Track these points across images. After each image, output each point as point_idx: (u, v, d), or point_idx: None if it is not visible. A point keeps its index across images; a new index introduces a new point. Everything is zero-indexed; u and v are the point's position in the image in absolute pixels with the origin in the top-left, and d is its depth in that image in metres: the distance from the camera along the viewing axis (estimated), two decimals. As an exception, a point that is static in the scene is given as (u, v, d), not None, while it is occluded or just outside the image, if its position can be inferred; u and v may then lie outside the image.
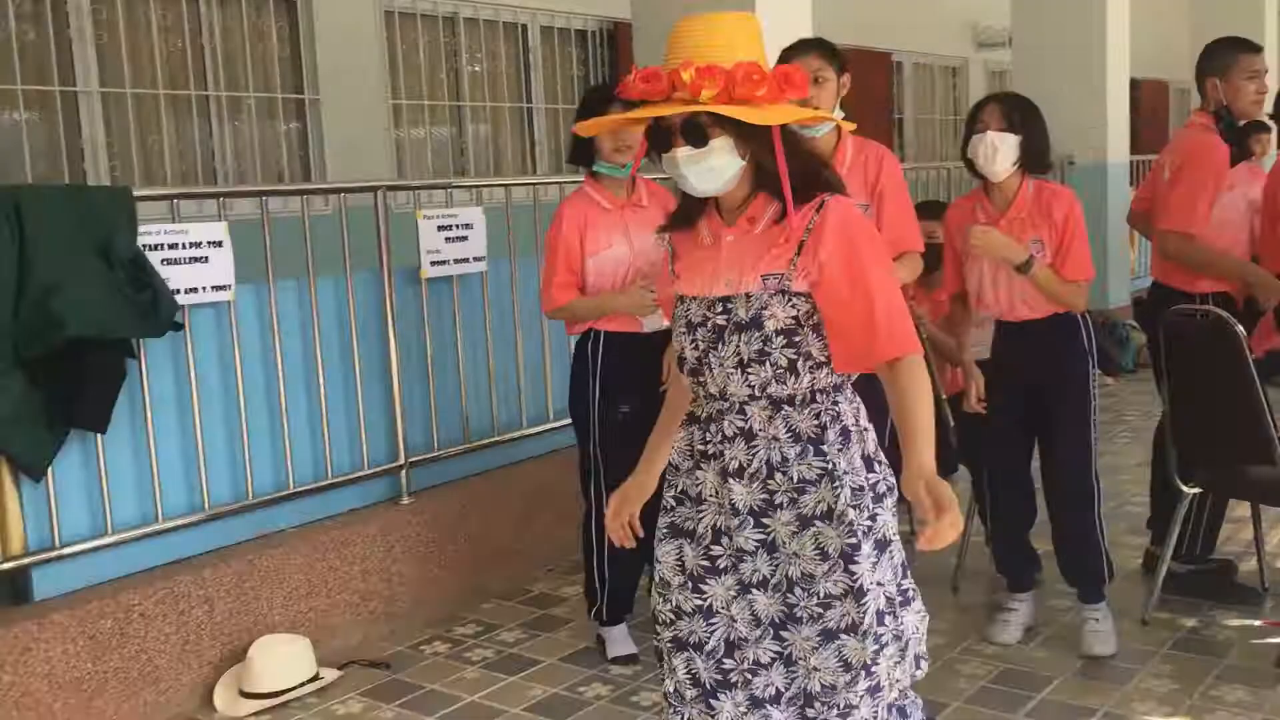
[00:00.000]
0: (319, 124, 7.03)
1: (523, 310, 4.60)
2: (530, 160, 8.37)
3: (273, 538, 3.79)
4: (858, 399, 2.11)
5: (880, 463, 2.08)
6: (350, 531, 3.93)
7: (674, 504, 2.15)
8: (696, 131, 1.92)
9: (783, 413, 2.02)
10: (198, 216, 3.94)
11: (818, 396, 2.03)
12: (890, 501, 2.06)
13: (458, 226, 4.33)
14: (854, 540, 1.98)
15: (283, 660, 3.45)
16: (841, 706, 2.00)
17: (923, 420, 1.94)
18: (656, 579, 2.17)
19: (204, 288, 3.58)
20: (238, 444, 3.71)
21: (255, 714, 3.35)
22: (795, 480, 2.01)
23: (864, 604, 1.98)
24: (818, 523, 2.00)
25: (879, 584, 2.01)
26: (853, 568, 1.99)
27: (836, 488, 2.00)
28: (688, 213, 2.12)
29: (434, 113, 7.82)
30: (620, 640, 3.65)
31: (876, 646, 1.99)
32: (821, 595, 2.00)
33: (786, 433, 2.02)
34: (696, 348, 2.05)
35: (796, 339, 1.99)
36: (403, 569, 4.06)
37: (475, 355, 4.47)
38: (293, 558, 3.74)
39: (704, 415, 2.09)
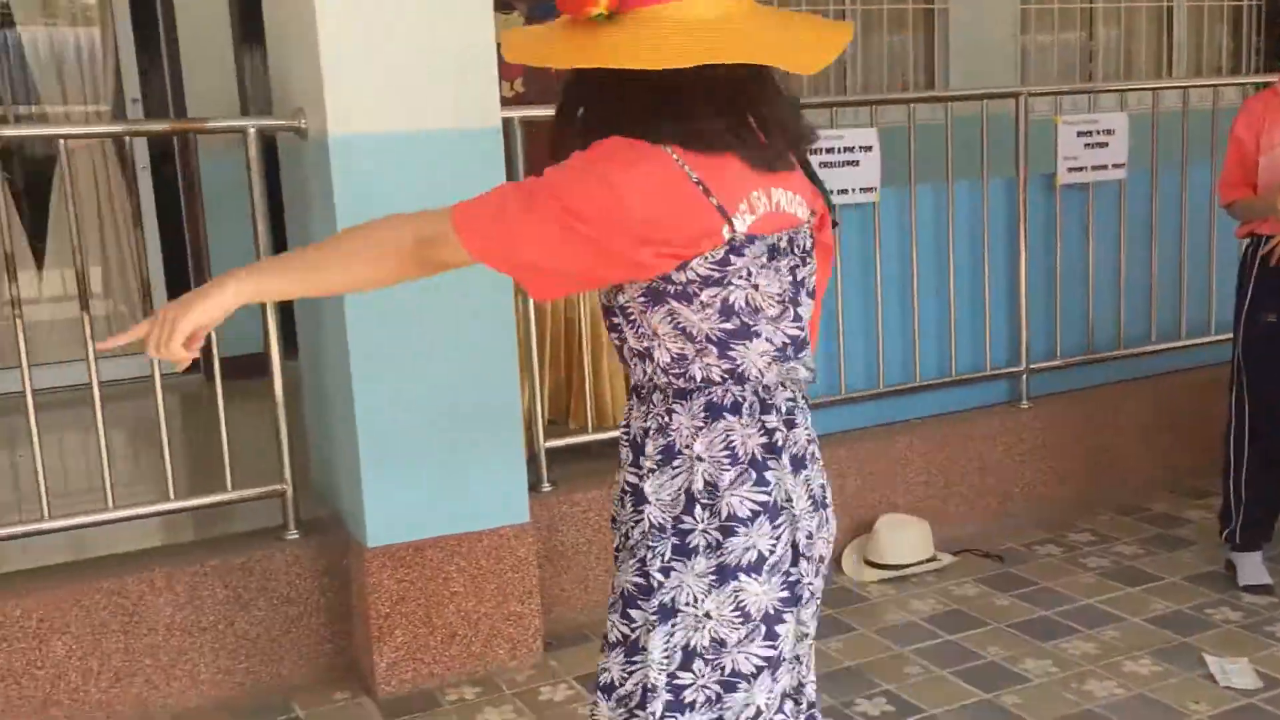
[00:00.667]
0: (945, 32, 7.11)
1: (1163, 222, 4.42)
2: (1167, 64, 7.80)
3: (898, 426, 4.07)
4: (750, 427, 1.53)
5: (712, 511, 1.53)
6: (970, 428, 4.10)
7: None
8: None
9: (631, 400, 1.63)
10: (852, 124, 4.25)
11: (655, 395, 1.58)
12: (703, 564, 1.52)
13: (1098, 133, 4.23)
14: (641, 581, 1.56)
15: (906, 538, 3.72)
16: None
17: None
18: None
19: (853, 189, 3.88)
20: (872, 336, 4.00)
21: (878, 581, 3.67)
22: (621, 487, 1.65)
23: (634, 662, 1.55)
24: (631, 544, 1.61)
25: (647, 650, 1.53)
26: (631, 611, 1.56)
27: (639, 511, 1.58)
28: None
29: (1064, 16, 7.55)
30: (1253, 568, 3.47)
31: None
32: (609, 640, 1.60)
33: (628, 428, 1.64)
34: None
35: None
36: (1018, 470, 4.15)
37: (1106, 266, 4.38)
38: (916, 446, 3.99)
39: None
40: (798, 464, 1.58)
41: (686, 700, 1.54)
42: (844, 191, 3.84)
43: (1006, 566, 3.76)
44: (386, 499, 3.02)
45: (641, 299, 1.51)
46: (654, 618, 1.53)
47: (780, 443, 1.55)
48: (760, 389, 1.55)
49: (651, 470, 1.56)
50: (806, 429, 1.62)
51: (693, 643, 1.53)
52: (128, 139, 5.24)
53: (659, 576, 1.53)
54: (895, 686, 3.00)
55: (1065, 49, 7.64)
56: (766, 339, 1.53)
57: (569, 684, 3.10)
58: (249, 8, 4.53)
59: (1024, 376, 4.24)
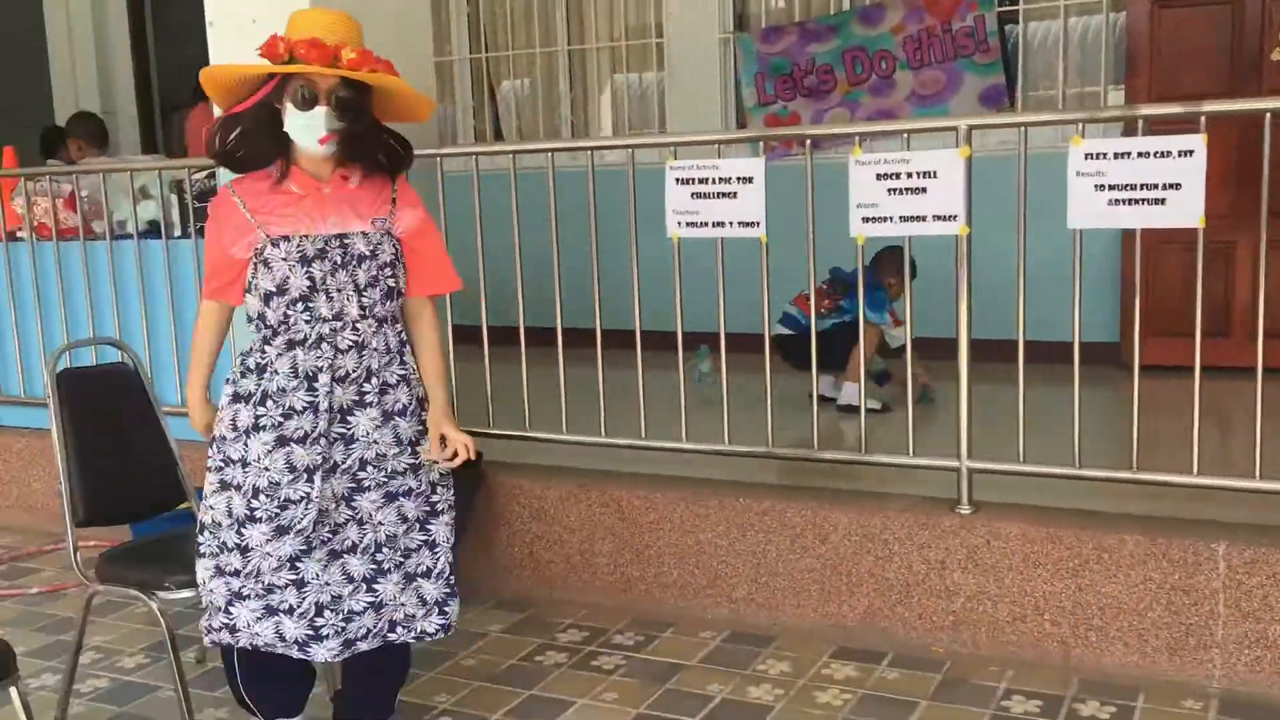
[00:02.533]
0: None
1: None
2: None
3: None
4: None
5: None
6: None
7: (281, 419, 2.59)
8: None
9: (383, 330, 2.65)
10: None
11: (398, 319, 2.70)
12: None
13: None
14: (420, 429, 2.73)
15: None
16: (402, 550, 2.72)
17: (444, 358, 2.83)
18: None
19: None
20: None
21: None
22: (381, 383, 2.65)
23: (420, 477, 2.74)
24: (397, 417, 2.68)
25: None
26: (418, 450, 2.71)
27: (413, 389, 2.71)
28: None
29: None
30: None
31: (428, 508, 2.76)
32: (389, 471, 2.68)
33: (383, 345, 2.64)
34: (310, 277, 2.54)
35: (397, 270, 2.65)
36: None
37: None
38: None
39: (308, 337, 2.58)
40: None
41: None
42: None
43: None
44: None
45: None
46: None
47: None
48: None
49: (411, 361, 2.81)
50: None
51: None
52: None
53: (422, 419, 2.82)
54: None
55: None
56: None
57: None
58: None
59: None
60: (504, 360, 4.22)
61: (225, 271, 2.62)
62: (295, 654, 2.67)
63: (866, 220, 3.41)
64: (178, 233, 4.77)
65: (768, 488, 3.74)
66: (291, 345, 2.59)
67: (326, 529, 2.65)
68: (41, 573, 4.56)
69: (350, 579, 2.68)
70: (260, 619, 2.65)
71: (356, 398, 2.64)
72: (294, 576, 2.64)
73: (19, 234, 5.12)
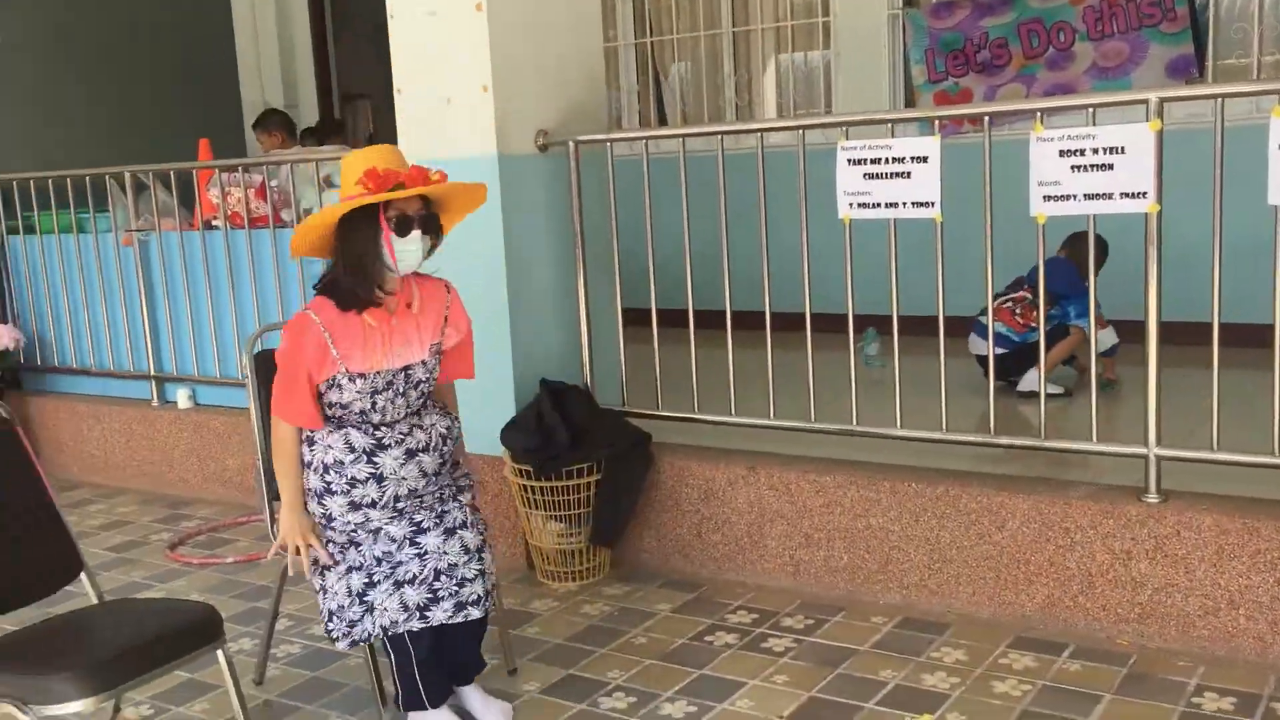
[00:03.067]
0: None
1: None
2: None
3: None
4: None
5: None
6: None
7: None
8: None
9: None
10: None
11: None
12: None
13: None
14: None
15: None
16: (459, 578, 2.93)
17: None
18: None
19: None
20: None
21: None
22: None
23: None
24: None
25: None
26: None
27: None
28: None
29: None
30: None
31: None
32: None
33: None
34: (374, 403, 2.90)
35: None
36: None
37: None
38: None
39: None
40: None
41: None
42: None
43: None
44: None
45: None
46: None
47: None
48: None
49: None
50: None
51: None
52: None
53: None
54: None
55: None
56: None
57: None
58: None
59: None
60: (672, 343, 4.26)
61: (300, 389, 2.83)
62: (415, 623, 2.85)
63: (1048, 199, 3.30)
64: (360, 220, 4.95)
65: (942, 472, 3.67)
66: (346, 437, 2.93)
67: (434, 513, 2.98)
68: (237, 543, 4.84)
69: (466, 550, 2.96)
70: (389, 595, 2.86)
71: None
72: (416, 551, 2.90)
73: (214, 222, 5.41)
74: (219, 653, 2.70)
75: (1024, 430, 3.99)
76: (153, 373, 5.72)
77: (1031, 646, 3.35)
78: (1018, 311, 4.81)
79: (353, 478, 2.87)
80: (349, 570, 2.91)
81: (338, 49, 9.13)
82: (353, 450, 2.88)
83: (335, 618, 2.92)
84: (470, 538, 2.98)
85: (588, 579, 4.11)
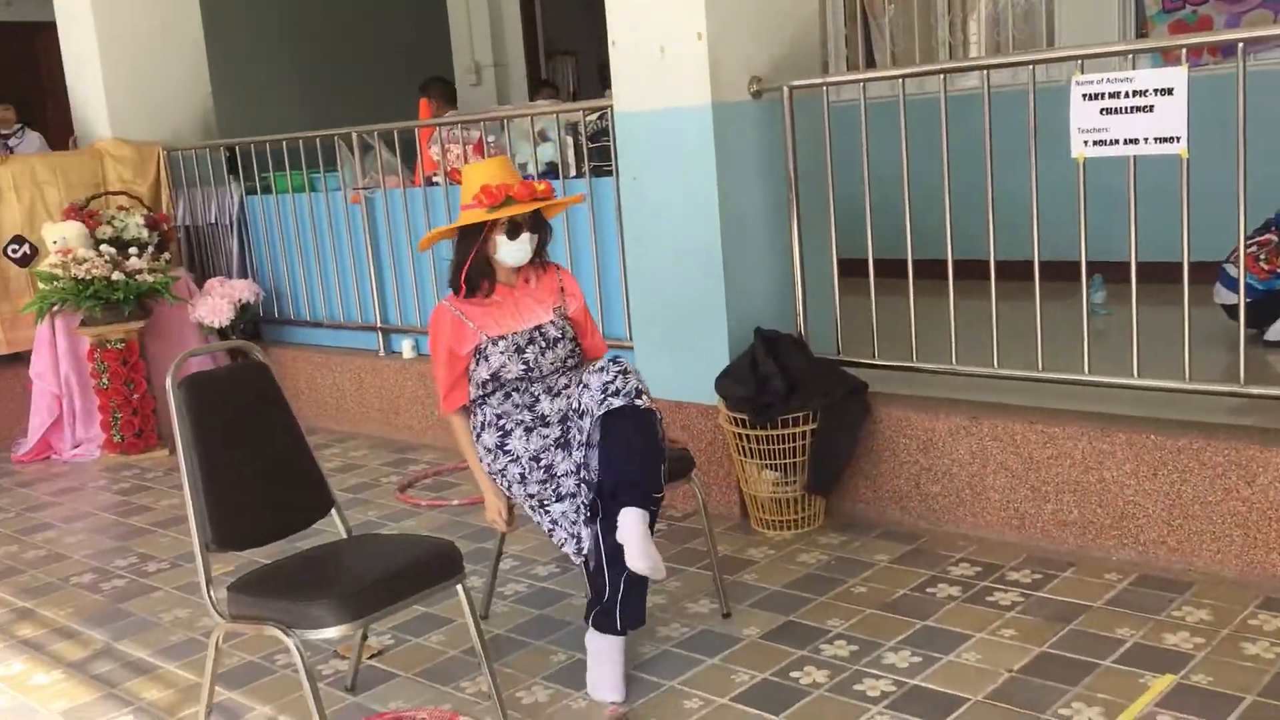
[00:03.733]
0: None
1: None
2: None
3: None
4: None
5: None
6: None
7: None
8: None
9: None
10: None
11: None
12: None
13: None
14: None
15: None
16: None
17: None
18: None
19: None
20: None
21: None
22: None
23: None
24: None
25: None
26: None
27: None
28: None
29: None
30: None
31: None
32: None
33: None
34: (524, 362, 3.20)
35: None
36: None
37: None
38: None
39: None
40: None
41: None
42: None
43: None
44: None
45: None
46: None
47: None
48: None
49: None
50: None
51: None
52: None
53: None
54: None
55: None
56: None
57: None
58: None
59: None
60: (887, 293, 4.17)
61: (450, 372, 3.23)
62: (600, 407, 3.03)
63: (1311, 130, 3.06)
64: (573, 173, 5.05)
65: (1183, 424, 3.48)
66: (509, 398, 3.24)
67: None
68: (460, 486, 5.04)
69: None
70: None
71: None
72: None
73: (435, 179, 5.61)
74: (459, 587, 2.82)
75: (1276, 381, 3.73)
76: (379, 324, 6.00)
77: (1284, 609, 3.16)
78: (1262, 257, 4.50)
79: (519, 419, 3.20)
80: (550, 476, 3.12)
81: (544, 7, 9.28)
82: (510, 398, 3.21)
83: (557, 528, 3.10)
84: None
85: (802, 528, 4.10)
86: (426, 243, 3.39)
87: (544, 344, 3.24)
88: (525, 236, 3.19)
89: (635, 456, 3.00)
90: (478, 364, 3.22)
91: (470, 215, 3.16)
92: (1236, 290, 4.28)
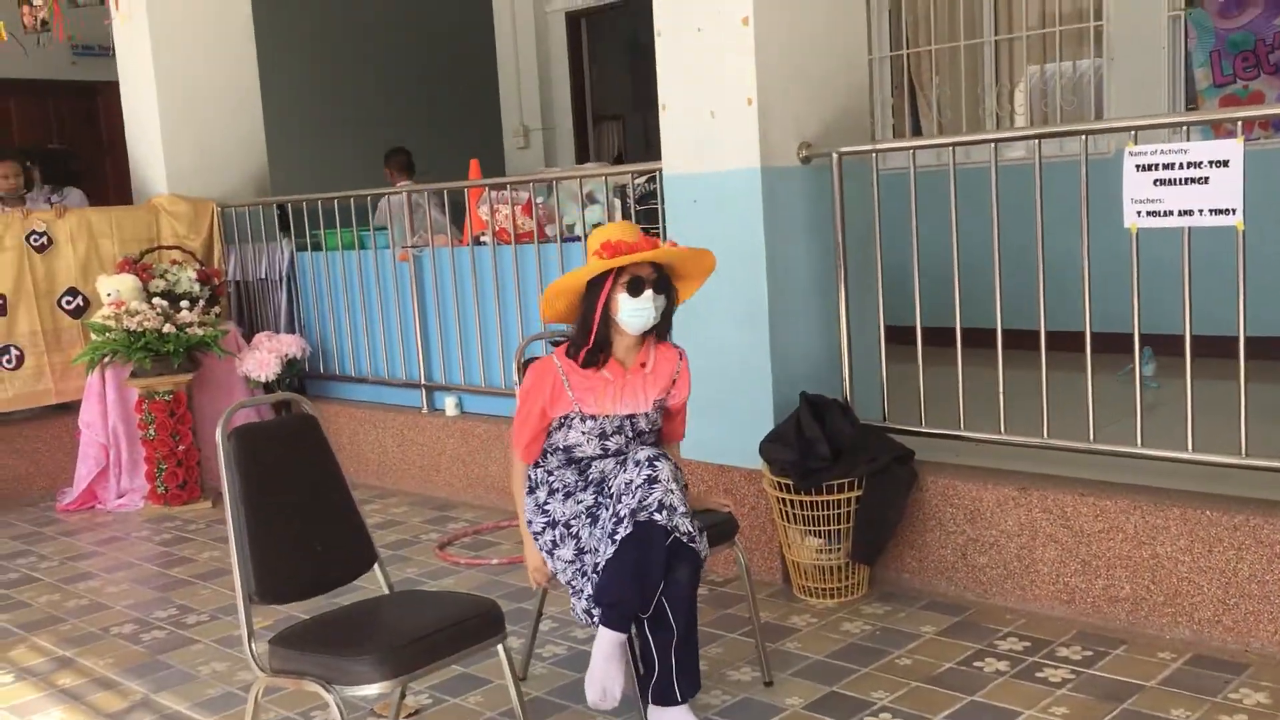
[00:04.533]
0: None
1: None
2: None
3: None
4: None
5: None
6: None
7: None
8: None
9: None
10: None
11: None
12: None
13: None
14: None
15: None
16: None
17: None
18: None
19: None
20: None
21: None
22: None
23: None
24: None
25: None
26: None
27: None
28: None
29: None
30: None
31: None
32: None
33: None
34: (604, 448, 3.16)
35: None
36: None
37: None
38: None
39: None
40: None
41: None
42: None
43: None
44: None
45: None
46: None
47: None
48: None
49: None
50: None
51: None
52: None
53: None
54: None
55: None
56: None
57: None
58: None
59: None
60: (933, 362, 4.15)
61: (533, 424, 3.15)
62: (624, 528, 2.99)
63: (1370, 204, 3.02)
64: (621, 235, 5.07)
65: (1240, 500, 3.41)
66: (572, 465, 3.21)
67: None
68: (500, 546, 5.03)
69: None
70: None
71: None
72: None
73: (483, 239, 5.67)
74: (500, 647, 2.80)
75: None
76: (423, 381, 6.04)
77: (1346, 694, 3.06)
78: None
79: (568, 480, 3.18)
80: (580, 553, 3.07)
81: (592, 72, 9.42)
82: (570, 465, 3.18)
83: (593, 610, 3.04)
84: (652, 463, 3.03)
85: (846, 596, 4.04)
86: (549, 307, 3.19)
87: (630, 434, 3.17)
88: (648, 295, 3.04)
89: (625, 580, 2.95)
90: (558, 428, 3.17)
91: (589, 270, 3.06)
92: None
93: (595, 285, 3.07)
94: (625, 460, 3.09)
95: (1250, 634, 3.32)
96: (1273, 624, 3.28)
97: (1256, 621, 3.31)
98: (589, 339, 3.09)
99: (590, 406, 3.11)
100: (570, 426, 3.14)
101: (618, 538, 2.95)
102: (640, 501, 2.95)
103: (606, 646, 2.97)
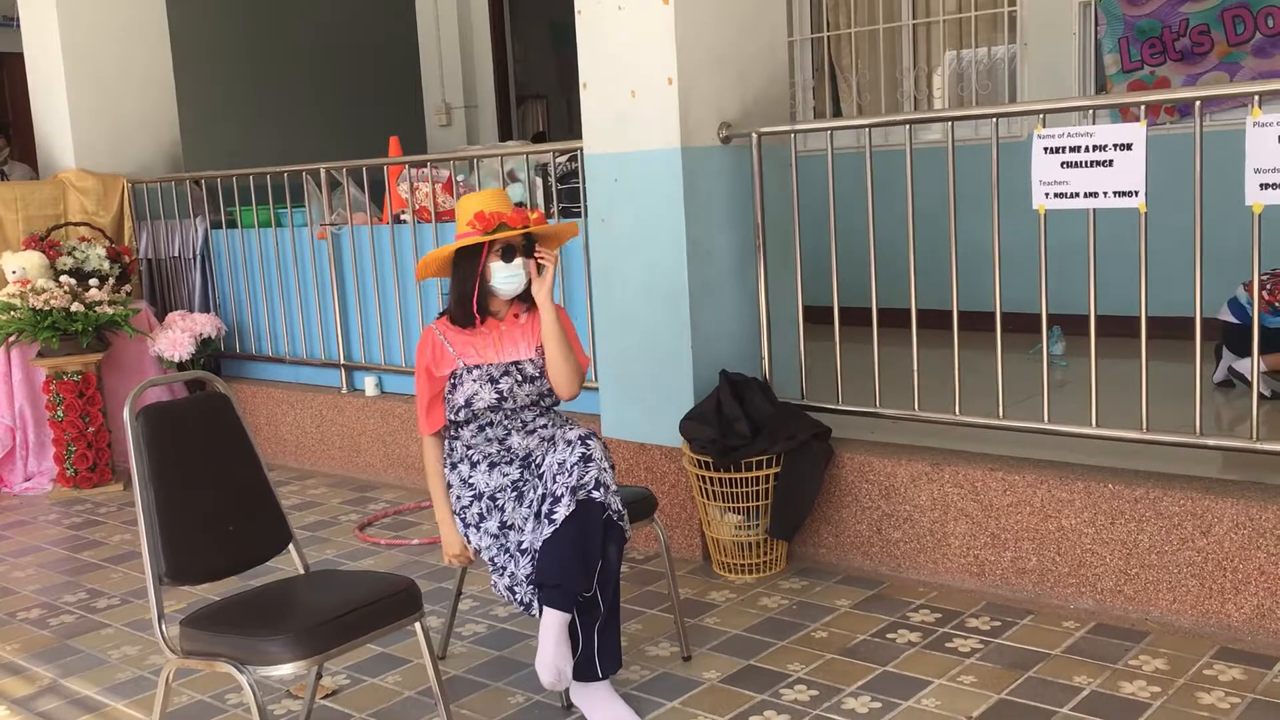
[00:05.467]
0: None
1: None
2: None
3: None
4: None
5: None
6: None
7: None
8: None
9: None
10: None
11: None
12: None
13: None
14: None
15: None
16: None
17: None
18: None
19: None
20: None
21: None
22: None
23: None
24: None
25: None
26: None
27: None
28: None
29: None
30: None
31: None
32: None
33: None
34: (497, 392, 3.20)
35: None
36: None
37: None
38: None
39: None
40: None
41: None
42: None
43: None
44: None
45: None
46: None
47: None
48: None
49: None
50: None
51: None
52: None
53: None
54: None
55: None
56: None
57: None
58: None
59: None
60: (851, 340, 4.21)
61: (428, 394, 3.23)
62: (546, 529, 3.02)
63: (1265, 187, 3.13)
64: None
65: (1141, 474, 3.52)
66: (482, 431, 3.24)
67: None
68: (420, 526, 5.00)
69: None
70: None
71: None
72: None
73: (403, 217, 5.61)
74: (417, 625, 2.79)
75: (1232, 433, 3.79)
76: (342, 361, 5.97)
77: (1239, 659, 3.18)
78: (1268, 287, 4.55)
79: (489, 452, 3.22)
80: (503, 529, 3.11)
81: (515, 50, 9.35)
82: (483, 430, 3.22)
83: (516, 587, 3.06)
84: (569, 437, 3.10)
85: (764, 572, 4.09)
86: (424, 271, 3.35)
87: (519, 378, 3.23)
88: (519, 262, 3.17)
89: (569, 560, 2.96)
90: (453, 390, 3.22)
91: (466, 240, 3.16)
92: (1238, 316, 4.40)
93: (470, 253, 3.18)
94: (555, 440, 3.12)
95: (1150, 603, 3.44)
96: (1171, 593, 3.39)
97: (1156, 591, 3.42)
98: (464, 302, 3.20)
99: (472, 358, 3.22)
100: (460, 382, 3.21)
101: (556, 517, 2.97)
102: (579, 480, 2.99)
103: (554, 629, 2.96)
